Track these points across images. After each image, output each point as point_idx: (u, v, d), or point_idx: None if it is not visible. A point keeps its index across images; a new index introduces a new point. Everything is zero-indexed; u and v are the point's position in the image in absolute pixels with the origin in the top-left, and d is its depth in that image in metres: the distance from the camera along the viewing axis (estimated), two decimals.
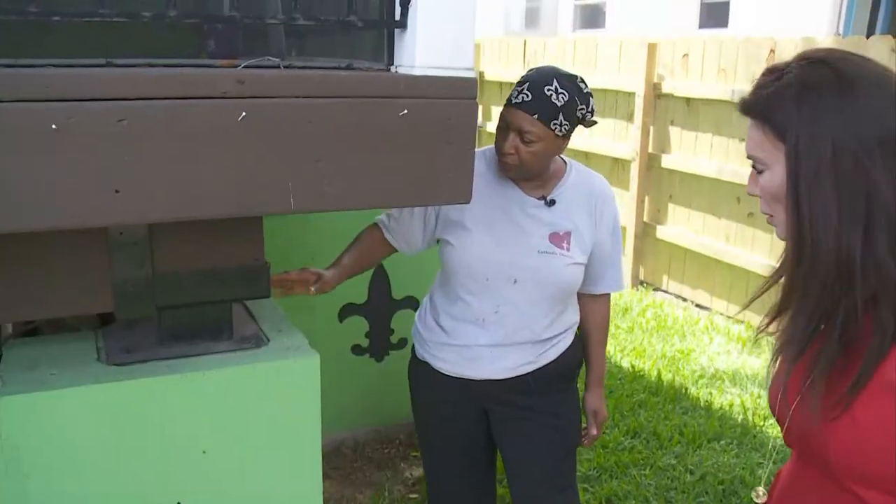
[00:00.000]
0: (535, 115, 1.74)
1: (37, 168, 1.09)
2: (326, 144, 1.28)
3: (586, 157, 6.22)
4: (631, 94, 5.65)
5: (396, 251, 2.06)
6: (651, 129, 5.53)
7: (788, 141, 1.02)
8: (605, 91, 5.97)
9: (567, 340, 1.97)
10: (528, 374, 1.92)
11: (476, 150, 2.01)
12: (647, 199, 5.66)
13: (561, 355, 1.95)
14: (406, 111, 1.32)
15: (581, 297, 2.04)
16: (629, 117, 5.73)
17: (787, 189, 1.03)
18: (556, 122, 1.75)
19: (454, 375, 1.95)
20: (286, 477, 1.63)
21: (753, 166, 1.10)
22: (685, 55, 5.29)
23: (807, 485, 1.13)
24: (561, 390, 1.98)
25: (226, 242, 1.56)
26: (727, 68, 4.96)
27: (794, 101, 1.02)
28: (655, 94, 5.46)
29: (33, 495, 1.42)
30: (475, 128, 1.41)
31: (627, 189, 5.76)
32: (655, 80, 5.47)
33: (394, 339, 3.37)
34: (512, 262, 1.86)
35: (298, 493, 1.66)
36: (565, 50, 6.48)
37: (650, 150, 5.56)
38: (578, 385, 2.06)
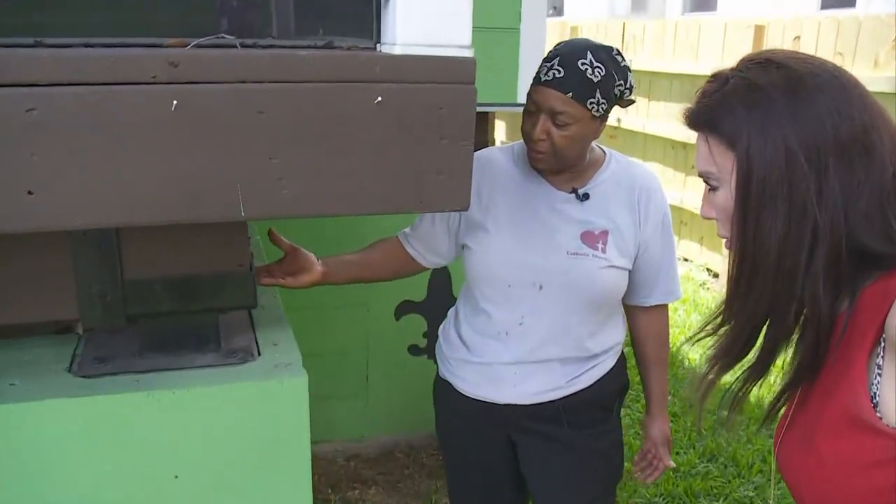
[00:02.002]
0: (569, 94, 1.51)
1: None
2: (283, 139, 1.09)
3: (684, 147, 5.85)
4: None
5: (425, 269, 1.86)
6: None
7: (739, 147, 0.94)
8: (706, 78, 5.57)
9: (606, 365, 1.72)
10: (556, 400, 1.68)
11: (503, 144, 1.80)
12: None
13: (597, 382, 1.70)
14: (380, 98, 1.11)
15: (632, 310, 1.78)
16: None
17: (735, 197, 0.95)
18: (592, 100, 1.52)
19: (475, 398, 1.73)
20: None
21: (707, 185, 1.01)
22: (797, 37, 4.84)
23: None
24: (598, 421, 1.73)
25: (205, 246, 1.40)
26: (845, 51, 4.47)
27: (742, 105, 0.95)
28: None
29: None
30: (473, 119, 1.19)
31: None
32: None
33: None
34: (536, 264, 1.63)
35: None
36: (666, 33, 6.10)
37: None
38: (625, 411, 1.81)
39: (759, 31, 5.04)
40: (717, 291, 5.29)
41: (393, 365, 3.17)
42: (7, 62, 0.96)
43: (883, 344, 0.88)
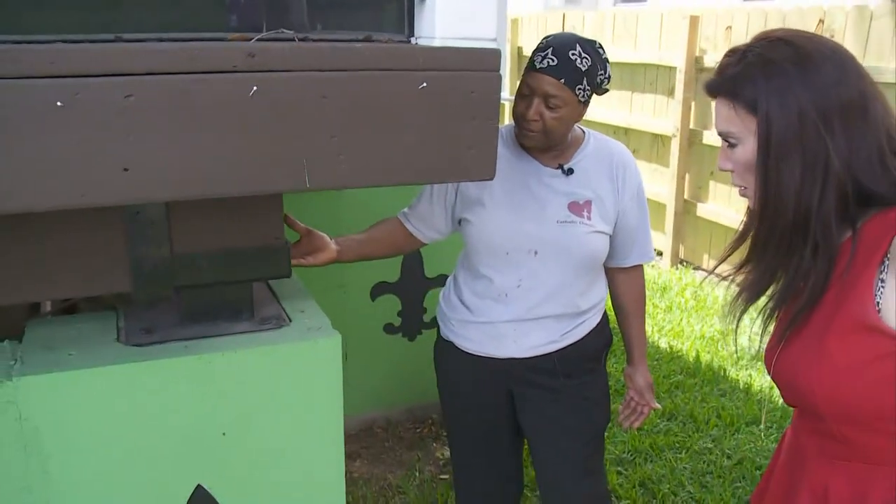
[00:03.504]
0: (562, 80, 1.70)
1: (42, 146, 1.06)
2: (342, 120, 1.23)
3: (626, 132, 6.11)
4: (672, 69, 5.52)
5: (423, 244, 2.02)
6: (693, 104, 5.40)
7: (759, 111, 1.12)
8: (645, 66, 5.85)
9: (594, 320, 1.92)
10: (552, 353, 1.87)
11: None
12: (687, 175, 5.54)
13: (587, 335, 1.90)
14: (425, 84, 1.26)
15: (612, 272, 1.98)
16: (670, 92, 5.60)
17: (758, 153, 1.13)
18: (580, 86, 1.72)
19: (478, 354, 1.91)
20: (308, 459, 1.60)
21: (725, 141, 1.19)
22: (728, 27, 5.13)
23: (807, 439, 1.24)
24: (588, 371, 1.93)
25: (245, 221, 1.53)
26: None
27: (762, 75, 1.12)
28: (697, 69, 5.32)
29: (54, 475, 1.42)
30: (498, 101, 1.35)
31: (668, 166, 5.64)
32: (697, 53, 5.32)
33: (426, 317, 3.34)
34: (531, 233, 1.81)
35: (320, 475, 1.63)
36: (604, 24, 6.34)
37: (691, 125, 5.43)
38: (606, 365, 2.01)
39: (694, 20, 5.31)
40: (661, 268, 5.57)
41: (370, 343, 3.30)
42: (109, 54, 1.08)
43: (887, 262, 1.07)
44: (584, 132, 1.90)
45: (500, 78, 1.34)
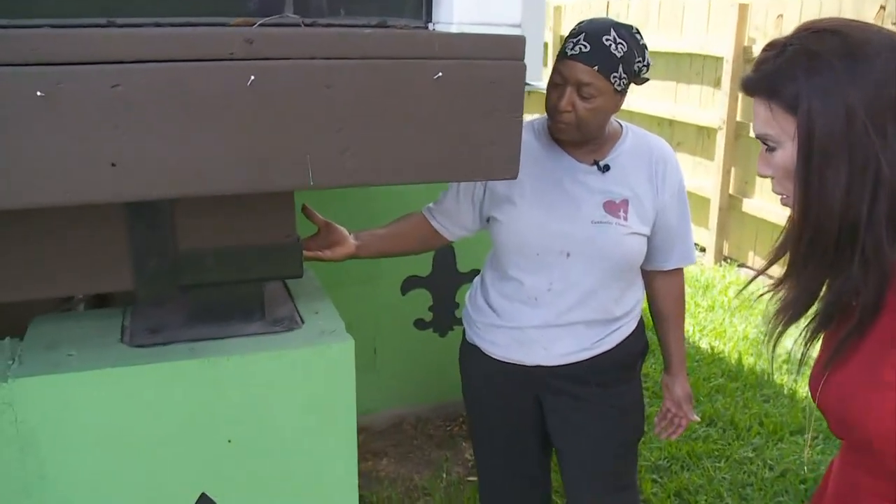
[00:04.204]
0: (595, 67, 1.58)
1: (21, 139, 0.99)
2: (348, 112, 1.14)
3: (670, 124, 5.93)
4: (719, 59, 5.33)
5: (449, 242, 1.92)
6: (740, 95, 5.20)
7: (800, 111, 1.00)
8: (691, 55, 5.67)
9: (629, 327, 1.80)
10: (583, 361, 1.76)
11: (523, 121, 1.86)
12: (733, 169, 5.35)
13: (621, 343, 1.79)
14: (440, 74, 1.16)
15: (650, 275, 1.86)
16: (716, 83, 5.41)
17: (798, 158, 1.01)
18: (615, 74, 1.60)
19: (505, 360, 1.81)
20: (318, 470, 1.52)
21: (764, 144, 1.08)
22: (780, 16, 4.93)
23: (858, 476, 1.12)
24: (621, 380, 1.81)
25: (254, 218, 1.44)
26: None
27: (803, 71, 1.00)
28: (746, 59, 5.12)
29: (52, 479, 1.36)
30: (522, 93, 1.25)
31: (712, 159, 5.46)
32: (746, 43, 5.12)
33: (458, 313, 3.25)
34: (563, 234, 1.70)
35: (332, 488, 1.55)
36: (649, 11, 6.16)
37: (738, 118, 5.24)
38: (643, 372, 1.89)
39: (744, 8, 5.11)
40: (704, 265, 5.40)
41: (400, 339, 3.23)
42: (94, 40, 1.00)
43: None
44: (621, 126, 1.79)
45: (524, 67, 1.23)
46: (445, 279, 3.24)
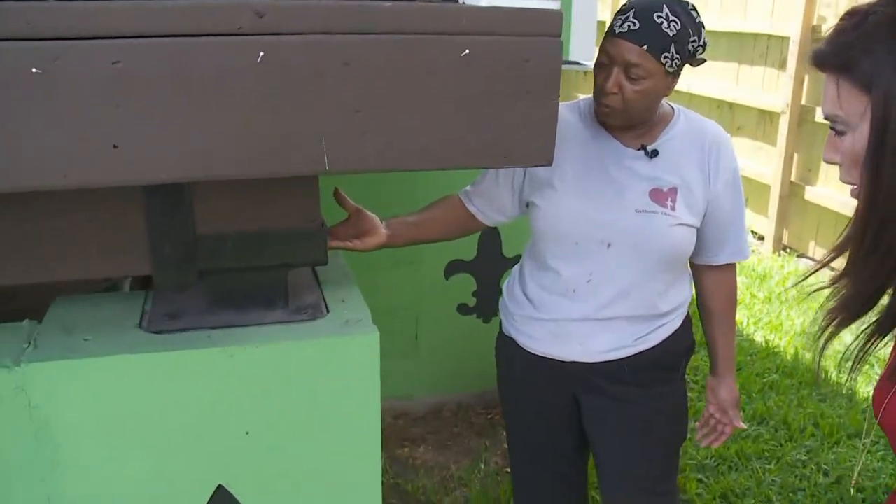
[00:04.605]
0: (645, 46, 1.47)
1: (15, 119, 0.93)
2: (367, 92, 1.06)
3: (730, 107, 5.72)
4: (785, 39, 5.10)
5: (486, 227, 1.83)
6: (806, 78, 4.98)
7: (876, 90, 0.88)
8: (755, 35, 5.44)
9: (673, 325, 1.70)
10: (622, 359, 1.66)
11: (569, 101, 1.75)
12: (796, 156, 5.13)
13: (664, 342, 1.68)
14: (468, 51, 1.08)
15: (700, 269, 1.75)
16: (781, 65, 5.19)
17: (868, 143, 0.89)
18: (667, 54, 1.49)
19: (541, 355, 1.72)
20: (339, 465, 1.46)
21: (832, 128, 0.96)
22: None
23: None
24: (663, 381, 1.71)
25: (276, 202, 1.38)
26: None
27: (883, 44, 0.88)
28: (814, 39, 4.88)
29: (63, 465, 1.33)
30: (559, 73, 1.15)
31: (774, 144, 5.24)
32: (815, 21, 4.89)
33: None
34: (605, 222, 1.60)
35: (353, 484, 1.49)
36: None
37: (803, 101, 5.01)
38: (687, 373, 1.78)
39: None
40: (762, 254, 5.21)
41: (442, 324, 3.17)
42: (93, 14, 0.94)
43: None
44: (673, 109, 1.67)
45: (560, 45, 1.14)
46: (490, 264, 3.17)
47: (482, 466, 2.85)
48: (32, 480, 1.32)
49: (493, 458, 2.92)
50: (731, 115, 5.74)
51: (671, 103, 1.69)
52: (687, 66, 1.57)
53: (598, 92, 1.56)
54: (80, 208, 1.27)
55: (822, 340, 1.01)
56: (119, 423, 1.33)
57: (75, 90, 0.95)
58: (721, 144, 1.64)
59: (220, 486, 1.42)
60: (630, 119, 1.57)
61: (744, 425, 1.81)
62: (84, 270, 1.31)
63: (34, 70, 0.92)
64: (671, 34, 1.48)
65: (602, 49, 1.54)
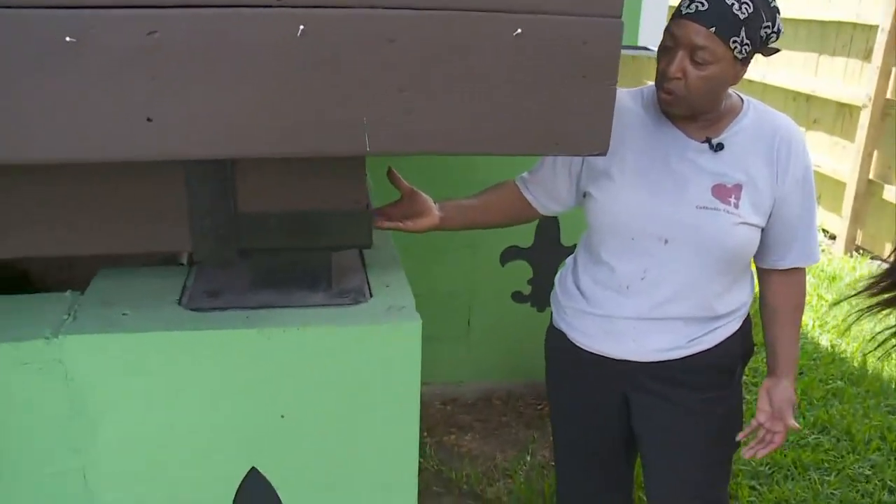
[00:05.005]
0: (713, 28, 1.38)
1: (48, 89, 0.91)
2: (414, 71, 1.01)
3: (807, 99, 5.50)
4: (872, 28, 4.85)
5: (542, 216, 1.77)
6: (893, 70, 4.73)
7: None
8: (839, 24, 5.20)
9: (730, 327, 1.61)
10: (675, 360, 1.58)
11: (631, 88, 1.67)
12: (875, 152, 4.90)
13: (720, 344, 1.59)
14: (520, 30, 1.01)
15: (765, 273, 1.65)
16: (866, 56, 4.94)
17: None
18: (736, 38, 1.39)
19: (591, 351, 1.65)
20: (374, 452, 1.43)
21: None
22: None
23: None
24: (718, 385, 1.62)
25: (321, 182, 1.34)
26: None
27: None
28: None
29: (99, 439, 1.32)
30: (617, 57, 1.08)
31: (852, 140, 5.02)
32: None
33: None
34: (663, 217, 1.52)
35: (388, 473, 1.45)
36: None
37: (888, 95, 4.77)
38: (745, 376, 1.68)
39: None
40: (832, 254, 5.00)
41: (496, 310, 3.12)
42: None
43: None
44: (742, 100, 1.57)
45: (621, 26, 1.06)
46: (547, 252, 3.10)
47: (528, 458, 2.79)
48: (67, 451, 1.32)
49: (541, 450, 2.86)
50: (808, 107, 5.51)
51: (741, 94, 1.59)
52: (758, 56, 1.47)
53: (661, 77, 1.47)
54: (120, 181, 1.25)
55: (885, 348, 0.92)
56: (154, 399, 1.32)
57: (109, 60, 0.92)
58: (793, 140, 1.53)
59: (253, 469, 1.40)
60: (693, 108, 1.48)
61: (797, 425, 1.68)
62: (122, 244, 1.30)
63: (68, 39, 0.90)
64: (742, 17, 1.38)
65: (667, 31, 1.45)
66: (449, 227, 1.67)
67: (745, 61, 1.44)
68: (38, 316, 1.30)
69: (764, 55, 1.49)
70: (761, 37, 1.42)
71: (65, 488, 1.33)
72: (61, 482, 1.32)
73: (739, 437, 1.67)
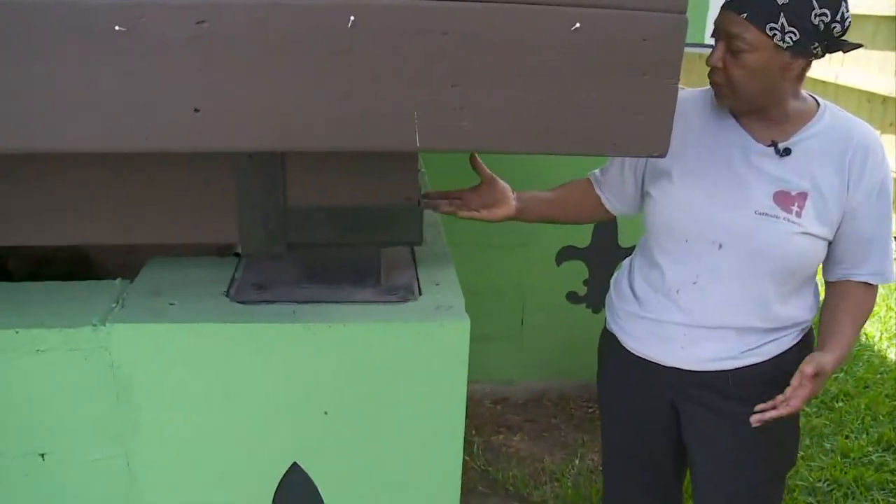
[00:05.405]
0: (744, 15, 1.31)
1: (97, 78, 0.90)
2: (467, 65, 0.98)
3: (883, 101, 5.29)
4: None
5: (613, 217, 1.73)
6: None
7: None
8: None
9: (788, 340, 1.52)
10: (727, 371, 1.51)
11: (697, 88, 1.60)
12: None
13: (776, 357, 1.51)
14: (578, 25, 0.97)
15: (832, 287, 1.54)
16: None
17: None
18: (773, 25, 1.30)
19: (641, 355, 1.60)
20: (418, 452, 1.40)
21: None
22: None
23: None
24: (772, 399, 1.54)
25: (372, 177, 1.32)
26: None
27: None
28: None
29: (143, 427, 1.33)
30: (681, 54, 1.03)
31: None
32: None
33: None
34: (718, 221, 1.45)
35: (431, 471, 1.42)
36: None
37: None
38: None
39: None
40: None
41: (550, 310, 3.07)
42: None
43: None
44: (818, 104, 1.48)
45: (685, 22, 1.01)
46: (604, 253, 3.04)
47: (577, 462, 2.74)
48: (111, 438, 1.33)
49: (590, 454, 2.81)
50: (884, 109, 5.30)
51: (818, 97, 1.50)
52: (832, 53, 1.38)
53: (708, 70, 1.42)
54: (169, 171, 1.25)
55: None
56: (197, 390, 1.31)
57: (158, 50, 0.91)
58: (870, 149, 1.44)
59: (294, 464, 1.39)
60: (742, 101, 1.41)
61: (810, 369, 1.38)
62: (169, 234, 1.30)
63: (117, 28, 0.89)
64: (781, 2, 1.30)
65: (714, 24, 1.40)
66: (524, 218, 1.65)
67: (797, 52, 1.34)
68: (87, 303, 1.31)
69: (835, 50, 1.39)
70: (815, 25, 1.32)
71: (108, 475, 1.34)
72: (105, 469, 1.33)
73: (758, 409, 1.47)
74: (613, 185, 1.67)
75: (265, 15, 0.91)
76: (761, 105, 1.42)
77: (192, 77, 0.92)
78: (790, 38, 1.32)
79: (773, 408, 1.41)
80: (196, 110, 0.94)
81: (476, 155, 1.56)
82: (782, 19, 1.30)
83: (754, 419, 1.42)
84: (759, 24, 1.31)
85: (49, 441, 1.31)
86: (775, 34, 1.31)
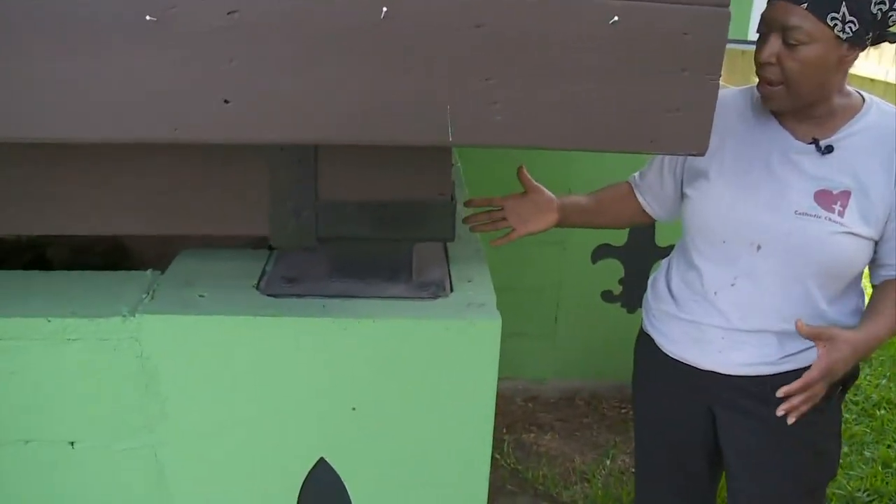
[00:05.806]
0: (804, 4, 1.25)
1: (126, 68, 0.90)
2: (500, 58, 0.95)
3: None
4: None
5: (654, 221, 1.71)
6: None
7: None
8: None
9: None
10: (765, 376, 1.47)
11: (738, 87, 1.56)
12: None
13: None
14: (617, 18, 0.94)
15: (879, 288, 1.48)
16: None
17: None
18: (835, 15, 1.24)
19: (676, 358, 1.57)
20: (446, 450, 1.39)
21: None
22: None
23: None
24: (813, 408, 1.49)
25: (405, 171, 1.30)
26: None
27: None
28: None
29: (171, 418, 1.33)
30: (722, 49, 0.99)
31: None
32: None
33: None
34: (756, 221, 1.41)
35: (458, 469, 1.40)
36: None
37: None
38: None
39: None
40: None
41: (584, 309, 3.04)
42: None
43: None
44: (863, 98, 1.43)
45: (727, 16, 0.98)
46: (641, 252, 3.00)
47: (608, 463, 2.71)
48: (139, 428, 1.33)
49: (621, 455, 2.77)
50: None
51: (862, 91, 1.45)
52: (883, 45, 1.33)
53: (756, 67, 1.36)
54: (203, 162, 1.25)
55: None
56: (225, 382, 1.31)
57: (189, 40, 0.90)
58: None
59: (321, 460, 1.38)
60: (795, 100, 1.35)
61: (802, 328, 1.33)
62: (201, 226, 1.29)
63: (148, 17, 0.88)
64: None
65: (761, 19, 1.34)
66: (566, 224, 1.65)
67: (855, 44, 1.29)
68: (118, 293, 1.32)
69: (881, 42, 1.34)
70: (874, 14, 1.26)
71: (136, 465, 1.34)
72: (132, 459, 1.34)
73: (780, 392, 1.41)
74: (653, 188, 1.63)
75: (296, 5, 0.90)
76: (810, 101, 1.37)
77: (223, 68, 0.91)
78: (850, 28, 1.26)
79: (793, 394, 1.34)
80: (226, 101, 0.93)
81: (524, 168, 1.56)
82: (843, 8, 1.25)
83: (782, 409, 1.35)
84: (821, 14, 1.25)
85: (79, 429, 1.32)
86: (836, 24, 1.25)
